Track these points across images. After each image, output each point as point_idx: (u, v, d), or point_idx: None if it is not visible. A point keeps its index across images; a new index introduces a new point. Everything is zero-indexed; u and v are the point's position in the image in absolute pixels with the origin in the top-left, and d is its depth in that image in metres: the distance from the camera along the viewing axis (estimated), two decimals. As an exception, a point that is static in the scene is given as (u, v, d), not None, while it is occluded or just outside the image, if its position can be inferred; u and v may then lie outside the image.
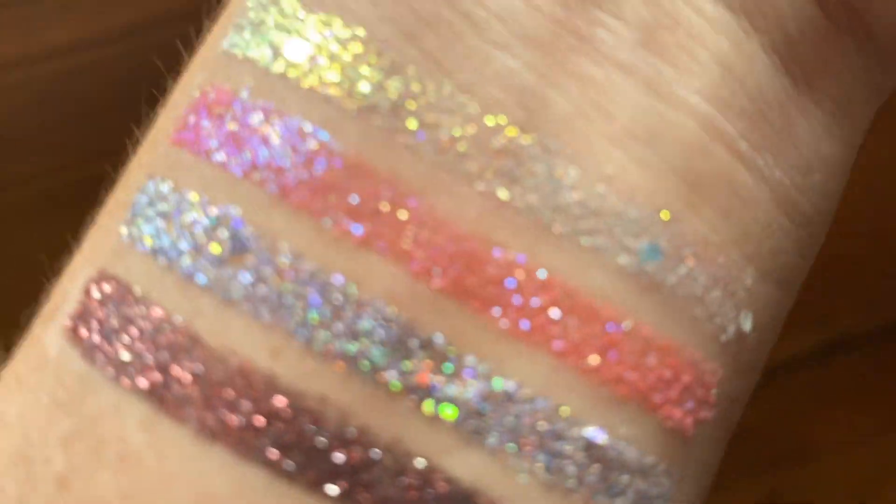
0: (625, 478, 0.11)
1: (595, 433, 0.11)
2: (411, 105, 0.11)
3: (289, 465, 0.11)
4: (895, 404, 0.30)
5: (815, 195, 0.13)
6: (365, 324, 0.11)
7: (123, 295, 0.11)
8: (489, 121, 0.11)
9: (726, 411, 0.13)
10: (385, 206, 0.11)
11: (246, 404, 0.11)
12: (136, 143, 0.13)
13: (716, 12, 0.12)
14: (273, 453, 0.11)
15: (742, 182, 0.12)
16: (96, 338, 0.11)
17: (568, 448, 0.11)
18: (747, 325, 0.12)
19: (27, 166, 0.32)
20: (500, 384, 0.11)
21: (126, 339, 0.11)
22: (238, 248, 0.11)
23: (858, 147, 0.14)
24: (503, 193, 0.11)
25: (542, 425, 0.11)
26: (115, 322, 0.11)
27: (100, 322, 0.11)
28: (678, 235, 0.12)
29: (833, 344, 0.30)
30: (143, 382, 0.11)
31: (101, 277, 0.12)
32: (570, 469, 0.11)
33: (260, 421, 0.11)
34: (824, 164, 0.13)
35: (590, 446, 0.11)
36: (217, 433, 0.11)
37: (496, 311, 0.11)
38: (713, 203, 0.12)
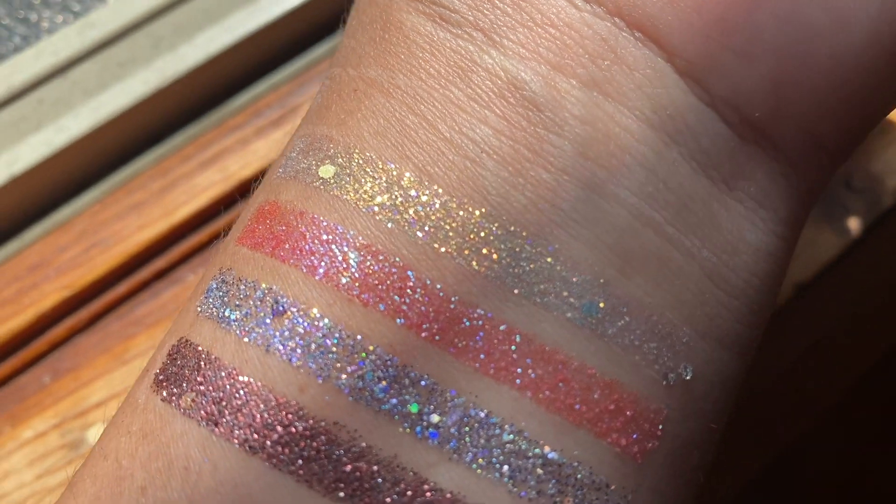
0: (579, 493, 0.14)
1: (551, 453, 0.14)
2: (408, 204, 0.15)
3: (309, 473, 0.14)
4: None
5: (745, 272, 0.16)
6: (369, 366, 0.14)
7: (193, 354, 0.15)
8: (464, 211, 0.15)
9: (680, 450, 0.15)
10: (386, 278, 0.15)
11: (278, 427, 0.14)
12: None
13: (639, 130, 0.15)
14: (297, 464, 0.14)
15: (671, 257, 0.15)
16: (172, 386, 0.15)
17: (529, 465, 0.14)
18: (688, 374, 0.15)
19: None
20: (473, 413, 0.14)
21: (193, 384, 0.15)
22: (278, 311, 0.15)
23: (790, 236, 0.17)
24: (474, 265, 0.15)
25: (508, 446, 0.14)
26: (186, 373, 0.15)
27: (176, 375, 0.15)
28: (614, 296, 0.15)
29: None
30: (202, 414, 0.14)
31: (180, 344, 0.15)
32: (532, 482, 0.14)
33: (288, 440, 0.14)
34: (750, 248, 0.16)
35: (547, 464, 0.14)
36: (256, 449, 0.14)
37: (470, 356, 0.14)
38: (644, 272, 0.15)
